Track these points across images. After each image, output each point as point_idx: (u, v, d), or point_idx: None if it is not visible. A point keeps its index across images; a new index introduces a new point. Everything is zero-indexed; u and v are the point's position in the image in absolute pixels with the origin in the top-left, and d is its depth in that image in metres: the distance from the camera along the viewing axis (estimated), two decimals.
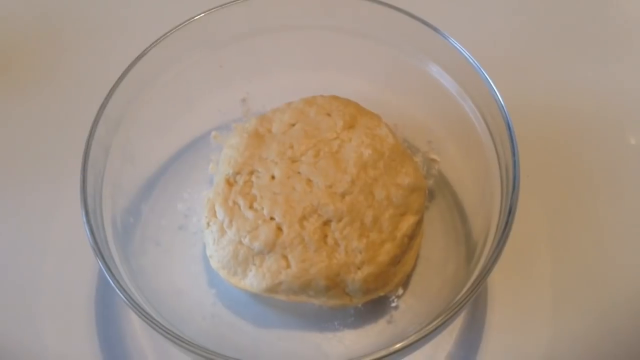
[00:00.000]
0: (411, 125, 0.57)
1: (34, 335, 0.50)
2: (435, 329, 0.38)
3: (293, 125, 0.52)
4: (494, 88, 0.47)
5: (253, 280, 0.46)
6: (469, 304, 0.42)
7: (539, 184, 0.57)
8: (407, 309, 0.49)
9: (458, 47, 0.50)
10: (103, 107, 0.48)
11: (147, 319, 0.39)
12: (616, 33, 0.69)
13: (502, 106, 0.46)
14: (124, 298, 0.40)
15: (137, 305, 0.40)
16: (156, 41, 0.52)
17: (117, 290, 0.40)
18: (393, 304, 0.49)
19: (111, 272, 0.41)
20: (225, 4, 0.54)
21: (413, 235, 0.49)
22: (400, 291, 0.49)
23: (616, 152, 0.60)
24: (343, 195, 0.47)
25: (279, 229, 0.46)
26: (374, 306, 0.49)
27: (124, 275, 0.44)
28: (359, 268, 0.45)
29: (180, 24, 0.53)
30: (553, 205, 0.56)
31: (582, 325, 0.49)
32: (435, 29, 0.51)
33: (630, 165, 0.59)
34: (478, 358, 0.49)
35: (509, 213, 0.42)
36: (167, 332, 0.39)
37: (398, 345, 0.38)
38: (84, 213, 0.44)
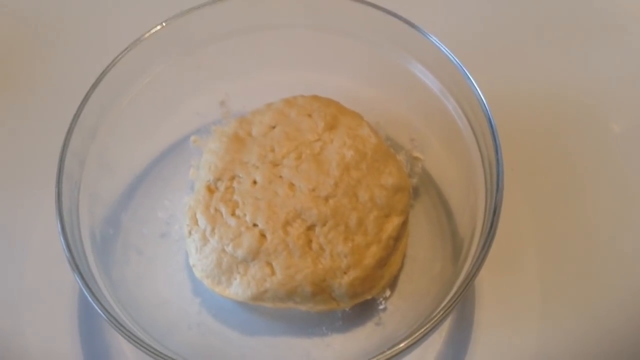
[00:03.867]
0: (393, 123, 0.57)
1: (16, 349, 0.49)
2: (426, 333, 0.38)
3: (273, 127, 0.52)
4: (475, 85, 0.47)
5: (238, 288, 0.46)
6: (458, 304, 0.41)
7: (524, 176, 0.56)
8: (395, 310, 0.49)
9: (437, 43, 0.49)
10: (77, 115, 0.47)
11: (126, 334, 0.39)
12: (596, 22, 0.69)
13: (484, 103, 0.46)
14: (103, 315, 0.39)
15: (116, 321, 0.39)
16: (130, 45, 0.51)
17: (97, 307, 0.39)
18: (381, 306, 0.49)
19: (89, 287, 0.40)
20: (201, 4, 0.53)
21: (398, 236, 0.48)
22: (388, 293, 0.49)
23: (600, 140, 0.60)
24: (326, 199, 0.46)
25: (263, 235, 0.45)
26: (362, 309, 0.48)
27: (103, 289, 0.43)
28: (345, 272, 0.45)
29: (154, 26, 0.52)
30: (539, 197, 0.56)
31: (572, 321, 0.49)
32: (414, 26, 0.50)
33: (613, 153, 0.59)
34: (468, 356, 0.49)
35: (494, 213, 0.41)
36: (147, 348, 0.38)
37: (387, 352, 0.37)
38: (59, 226, 0.43)
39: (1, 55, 0.67)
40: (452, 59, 0.48)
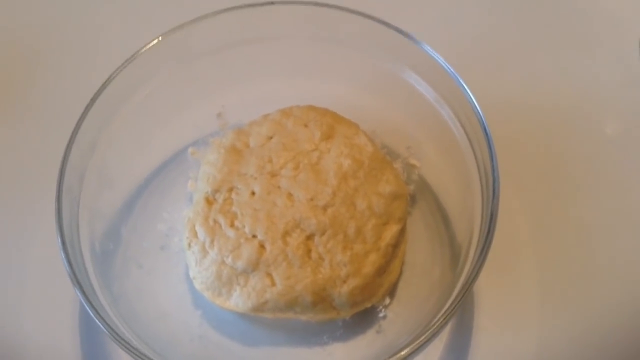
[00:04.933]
0: (389, 131, 0.57)
1: None
2: (426, 340, 0.38)
3: (271, 138, 0.52)
4: (469, 92, 0.47)
5: (238, 300, 0.46)
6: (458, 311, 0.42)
7: (519, 182, 0.57)
8: (396, 318, 0.49)
9: (431, 52, 0.50)
10: (76, 130, 0.47)
11: (128, 348, 0.39)
12: (586, 27, 0.69)
13: (478, 111, 0.46)
14: (105, 329, 0.39)
15: (118, 336, 0.39)
16: (128, 59, 0.51)
17: (98, 322, 0.40)
18: (381, 314, 0.49)
19: (90, 302, 0.40)
20: (197, 18, 0.53)
21: (397, 243, 0.48)
22: (388, 300, 0.49)
23: (593, 144, 0.60)
24: (325, 208, 0.47)
25: (262, 246, 0.46)
26: (362, 317, 0.48)
27: (104, 303, 0.43)
28: (344, 281, 0.45)
29: (151, 40, 0.52)
30: (534, 202, 0.57)
31: (571, 325, 0.50)
32: (407, 35, 0.51)
33: (607, 157, 0.60)
34: None
35: (491, 219, 0.42)
36: None
37: None
38: (60, 241, 0.43)
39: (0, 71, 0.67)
40: (446, 67, 0.49)
